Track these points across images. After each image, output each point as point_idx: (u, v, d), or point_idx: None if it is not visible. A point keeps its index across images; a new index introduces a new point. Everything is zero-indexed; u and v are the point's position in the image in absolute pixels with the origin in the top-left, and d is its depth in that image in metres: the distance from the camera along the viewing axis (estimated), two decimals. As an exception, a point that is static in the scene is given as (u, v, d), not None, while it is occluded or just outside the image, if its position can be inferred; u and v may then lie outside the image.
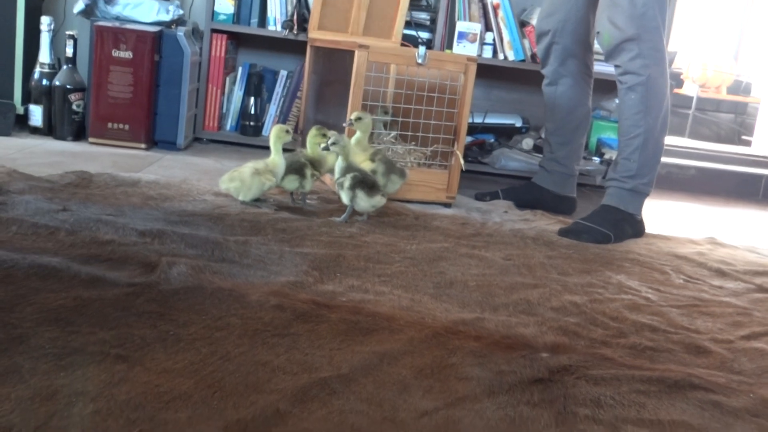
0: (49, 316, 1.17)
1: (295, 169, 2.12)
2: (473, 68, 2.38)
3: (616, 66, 2.34)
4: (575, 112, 2.61)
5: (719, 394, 1.18)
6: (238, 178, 2.08)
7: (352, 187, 2.02)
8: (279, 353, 1.14)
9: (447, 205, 2.44)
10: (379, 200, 2.04)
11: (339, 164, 2.07)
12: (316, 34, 2.86)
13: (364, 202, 2.03)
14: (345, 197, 2.04)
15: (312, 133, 2.17)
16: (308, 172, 2.12)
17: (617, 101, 3.17)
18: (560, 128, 2.63)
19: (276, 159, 2.09)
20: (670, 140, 4.31)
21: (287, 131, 2.10)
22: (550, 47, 2.57)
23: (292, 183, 2.14)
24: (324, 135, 2.14)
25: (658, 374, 1.22)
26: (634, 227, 2.36)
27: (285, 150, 2.12)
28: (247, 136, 3.19)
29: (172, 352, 1.10)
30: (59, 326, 1.13)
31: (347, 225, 2.00)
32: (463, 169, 2.42)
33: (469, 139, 3.30)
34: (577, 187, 2.69)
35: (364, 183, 2.02)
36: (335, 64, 2.60)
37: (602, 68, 3.15)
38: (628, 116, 2.34)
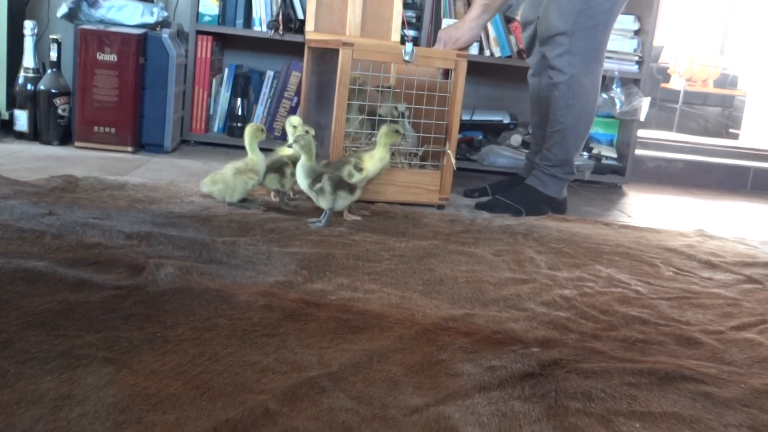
0: (35, 320, 1.15)
1: (276, 168, 2.11)
2: (464, 65, 2.34)
3: (548, 57, 2.42)
4: None
5: (710, 385, 1.18)
6: (221, 180, 2.06)
7: (334, 190, 1.97)
8: (268, 353, 1.14)
9: (440, 207, 2.40)
10: (358, 194, 2.04)
11: (303, 165, 1.98)
12: (311, 35, 2.85)
13: (346, 200, 2.01)
14: (326, 202, 1.98)
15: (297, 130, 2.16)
16: (288, 171, 2.11)
17: (604, 96, 3.18)
18: (545, 121, 2.64)
19: (254, 157, 2.08)
20: (658, 134, 4.33)
21: (261, 129, 2.09)
22: (534, 37, 2.59)
23: (272, 182, 2.13)
24: (307, 132, 2.13)
25: (648, 366, 1.21)
26: (553, 206, 2.52)
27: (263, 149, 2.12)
28: (235, 137, 3.18)
29: (160, 354, 1.09)
30: (45, 330, 1.12)
31: (335, 224, 2.00)
32: (455, 168, 2.39)
33: (458, 136, 3.29)
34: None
35: (343, 183, 1.99)
36: (328, 64, 2.59)
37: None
38: (552, 111, 2.46)
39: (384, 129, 2.08)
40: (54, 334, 1.11)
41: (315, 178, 1.96)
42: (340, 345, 1.19)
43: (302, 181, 1.99)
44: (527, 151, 3.14)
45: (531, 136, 2.74)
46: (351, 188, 2.00)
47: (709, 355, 1.33)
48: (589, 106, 2.43)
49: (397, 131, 2.09)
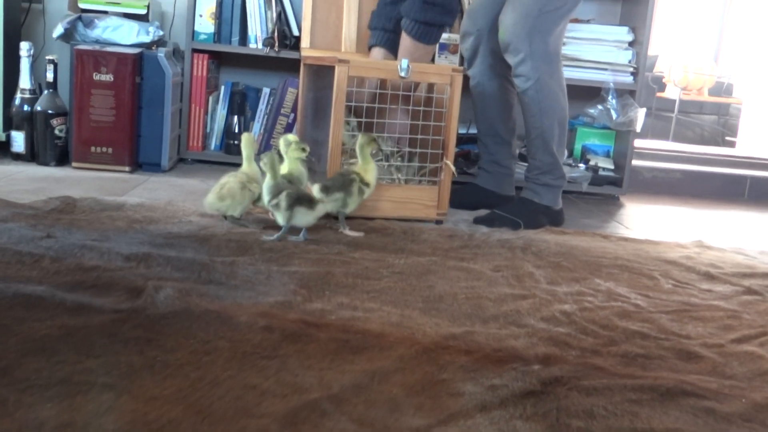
0: (34, 346, 1.15)
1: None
2: (459, 79, 2.34)
3: (511, 65, 2.44)
4: (507, 112, 2.69)
5: (712, 400, 1.18)
6: (228, 195, 2.05)
7: (290, 207, 1.94)
8: (268, 376, 1.13)
9: (439, 222, 2.39)
10: (321, 209, 2.00)
11: (267, 183, 1.99)
12: (307, 51, 2.85)
13: (307, 216, 1.97)
14: (282, 218, 1.96)
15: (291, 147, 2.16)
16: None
17: (600, 107, 3.19)
18: (495, 128, 2.70)
19: (253, 166, 2.09)
20: (654, 144, 4.34)
21: (254, 139, 2.12)
22: (477, 49, 2.63)
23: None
24: (303, 149, 2.14)
25: (650, 382, 1.21)
26: (551, 217, 2.52)
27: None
28: (232, 154, 3.17)
29: (160, 379, 1.09)
30: (45, 356, 1.12)
31: (334, 242, 1.99)
32: (455, 175, 2.38)
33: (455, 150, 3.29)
34: (562, 194, 2.68)
35: (302, 199, 1.97)
36: (324, 80, 2.59)
37: (582, 75, 3.17)
38: (527, 118, 2.47)
39: (361, 140, 2.14)
40: (54, 360, 1.11)
41: (275, 194, 1.98)
42: (340, 366, 1.19)
43: (264, 198, 2.01)
44: (523, 163, 3.14)
45: (480, 144, 2.77)
46: (311, 203, 1.98)
47: (709, 369, 1.33)
48: (561, 105, 2.45)
49: (373, 139, 2.16)
